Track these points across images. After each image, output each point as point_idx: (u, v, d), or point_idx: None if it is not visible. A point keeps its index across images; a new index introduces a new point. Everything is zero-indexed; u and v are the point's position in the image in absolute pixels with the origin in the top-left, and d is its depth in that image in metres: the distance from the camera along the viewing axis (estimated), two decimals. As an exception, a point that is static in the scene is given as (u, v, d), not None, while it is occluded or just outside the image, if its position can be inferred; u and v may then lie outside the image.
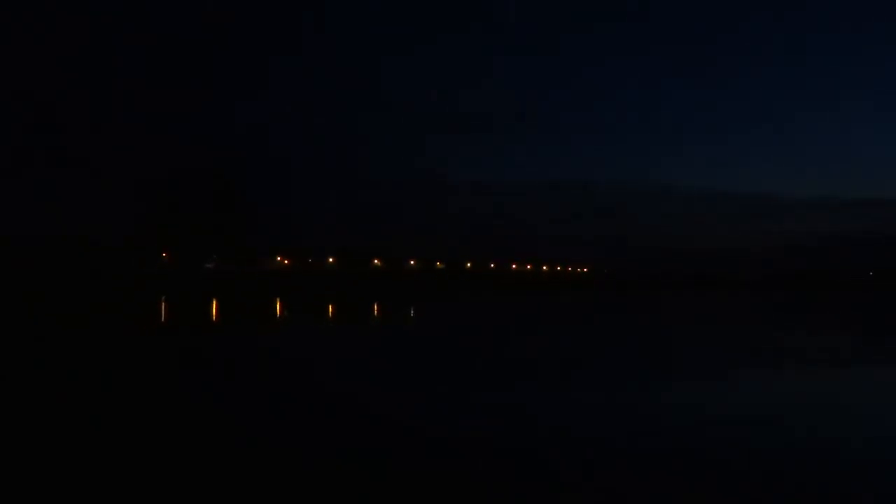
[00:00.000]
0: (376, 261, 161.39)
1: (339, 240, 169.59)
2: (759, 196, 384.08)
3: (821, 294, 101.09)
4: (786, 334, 34.39)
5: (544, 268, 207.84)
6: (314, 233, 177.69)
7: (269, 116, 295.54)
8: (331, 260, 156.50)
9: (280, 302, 56.97)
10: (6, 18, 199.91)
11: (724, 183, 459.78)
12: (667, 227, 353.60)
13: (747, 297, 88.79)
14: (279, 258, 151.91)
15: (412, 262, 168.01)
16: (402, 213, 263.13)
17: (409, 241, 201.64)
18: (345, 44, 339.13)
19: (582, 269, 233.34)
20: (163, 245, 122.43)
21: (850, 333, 36.12)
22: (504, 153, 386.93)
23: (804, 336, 33.56)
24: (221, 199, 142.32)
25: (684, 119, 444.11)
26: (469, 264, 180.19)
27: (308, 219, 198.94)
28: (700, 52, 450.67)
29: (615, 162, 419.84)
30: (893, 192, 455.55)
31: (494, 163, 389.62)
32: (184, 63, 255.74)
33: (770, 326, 40.04)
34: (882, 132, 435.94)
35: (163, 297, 59.55)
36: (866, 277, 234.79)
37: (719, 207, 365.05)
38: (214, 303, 53.72)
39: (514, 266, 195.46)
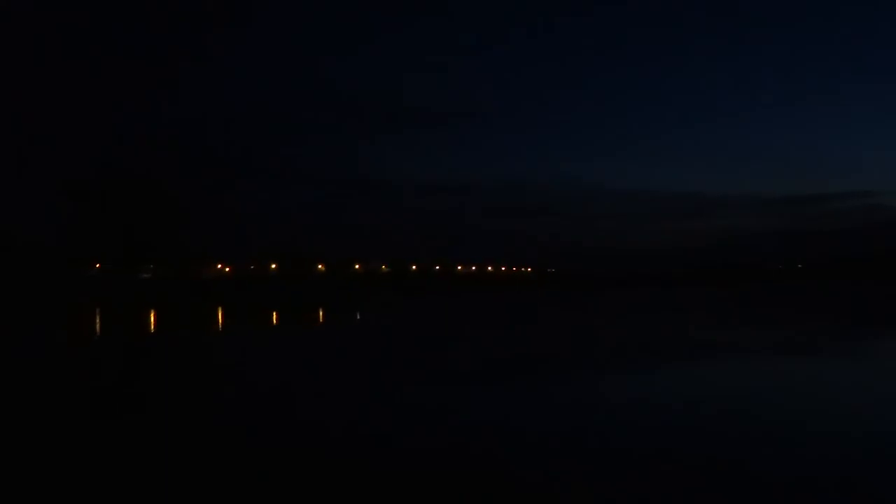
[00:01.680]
0: (320, 266, 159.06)
1: (281, 243, 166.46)
2: (688, 195, 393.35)
3: (753, 286, 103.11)
4: (732, 326, 34.19)
5: (489, 268, 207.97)
6: (256, 236, 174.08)
7: (202, 115, 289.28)
8: (273, 266, 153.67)
9: (219, 311, 54.73)
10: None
11: (655, 182, 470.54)
12: (601, 225, 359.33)
13: (688, 292, 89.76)
14: (220, 265, 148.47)
15: (356, 266, 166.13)
16: (344, 214, 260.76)
17: (352, 243, 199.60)
18: (285, 40, 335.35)
19: (525, 268, 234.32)
20: (93, 252, 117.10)
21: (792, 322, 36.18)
22: (439, 153, 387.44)
23: (739, 326, 33.37)
24: (155, 203, 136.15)
25: (616, 119, 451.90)
26: (413, 266, 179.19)
27: (249, 221, 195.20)
28: (632, 53, 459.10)
29: (547, 162, 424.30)
30: (817, 188, 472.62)
31: (428, 162, 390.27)
32: (115, 56, 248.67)
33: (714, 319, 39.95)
34: (808, 132, 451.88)
35: (96, 308, 56.75)
36: (794, 269, 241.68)
37: (651, 206, 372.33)
38: (150, 313, 51.30)
39: (459, 267, 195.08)
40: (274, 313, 48.99)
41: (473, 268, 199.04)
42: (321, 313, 48.86)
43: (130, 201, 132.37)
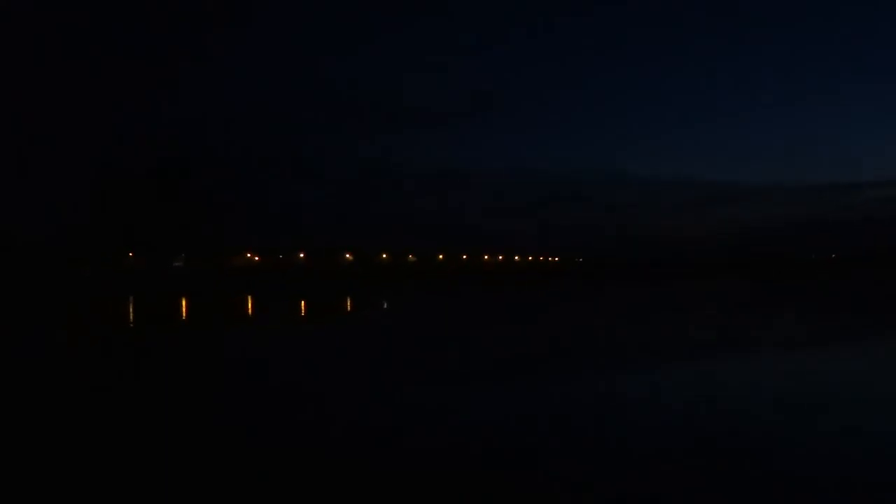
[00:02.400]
0: (347, 255, 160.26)
1: (306, 235, 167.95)
2: (716, 183, 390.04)
3: (789, 278, 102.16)
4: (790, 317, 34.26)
5: (516, 258, 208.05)
6: (285, 229, 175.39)
7: (202, 115, 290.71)
8: (301, 255, 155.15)
9: (252, 300, 55.68)
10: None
11: (682, 171, 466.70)
12: (628, 215, 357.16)
13: (729, 284, 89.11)
14: (248, 255, 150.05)
15: (384, 256, 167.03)
16: (367, 207, 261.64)
17: (378, 234, 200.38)
18: (285, 39, 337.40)
19: (553, 258, 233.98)
20: (127, 244, 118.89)
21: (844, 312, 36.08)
22: (460, 143, 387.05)
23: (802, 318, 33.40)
24: (182, 195, 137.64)
25: (642, 109, 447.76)
26: (441, 256, 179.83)
27: (251, 218, 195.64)
28: (659, 44, 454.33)
29: (574, 151, 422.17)
30: (843, 177, 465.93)
31: (452, 154, 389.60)
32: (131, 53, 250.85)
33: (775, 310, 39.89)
34: (830, 121, 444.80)
35: (132, 297, 58.00)
36: (828, 259, 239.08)
37: (678, 195, 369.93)
38: (186, 303, 52.34)
39: (486, 257, 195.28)
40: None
41: (465, 257, 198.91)
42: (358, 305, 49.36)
43: (131, 200, 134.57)
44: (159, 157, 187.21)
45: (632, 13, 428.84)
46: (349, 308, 46.30)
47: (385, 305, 47.07)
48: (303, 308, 46.05)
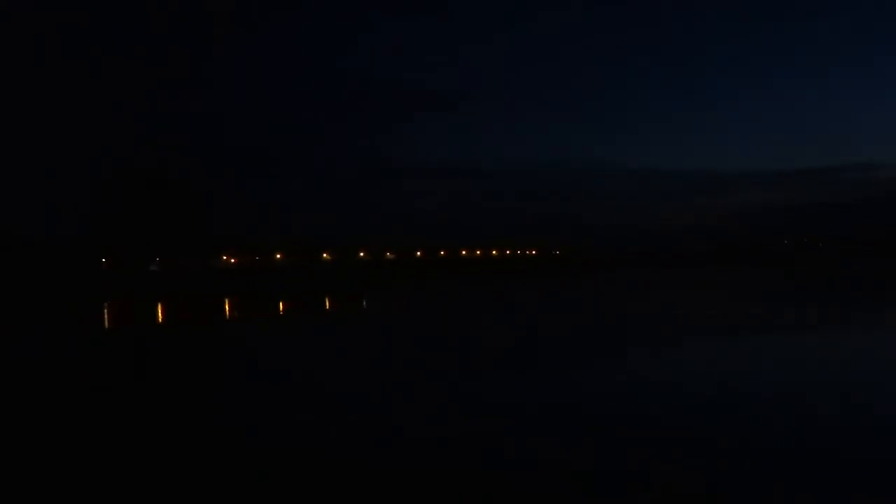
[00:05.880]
0: (325, 255, 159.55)
1: (287, 232, 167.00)
2: (697, 172, 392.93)
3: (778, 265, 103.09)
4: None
5: (493, 252, 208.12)
6: (265, 227, 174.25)
7: (203, 111, 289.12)
8: (278, 256, 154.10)
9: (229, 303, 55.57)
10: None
11: (664, 161, 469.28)
12: (610, 204, 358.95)
13: (714, 272, 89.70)
14: (225, 257, 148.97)
15: (361, 255, 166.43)
16: (343, 201, 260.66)
17: (355, 230, 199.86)
18: (287, 33, 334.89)
19: (530, 251, 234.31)
20: (104, 246, 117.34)
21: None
22: (441, 137, 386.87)
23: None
24: (165, 196, 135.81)
25: (626, 99, 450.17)
26: (419, 253, 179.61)
27: (257, 213, 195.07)
28: (641, 36, 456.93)
29: (558, 142, 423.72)
30: (823, 161, 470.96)
31: (429, 147, 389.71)
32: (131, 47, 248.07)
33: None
34: (808, 107, 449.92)
35: (106, 302, 57.66)
36: (813, 246, 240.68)
37: (661, 184, 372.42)
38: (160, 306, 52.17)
39: (463, 252, 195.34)
40: (282, 304, 49.62)
41: (478, 252, 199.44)
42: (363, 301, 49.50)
43: (134, 198, 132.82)
44: (160, 154, 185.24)
45: (612, 9, 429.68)
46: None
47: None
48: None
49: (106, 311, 48.21)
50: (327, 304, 48.04)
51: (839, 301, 37.38)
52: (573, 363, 17.82)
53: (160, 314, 44.05)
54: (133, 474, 9.30)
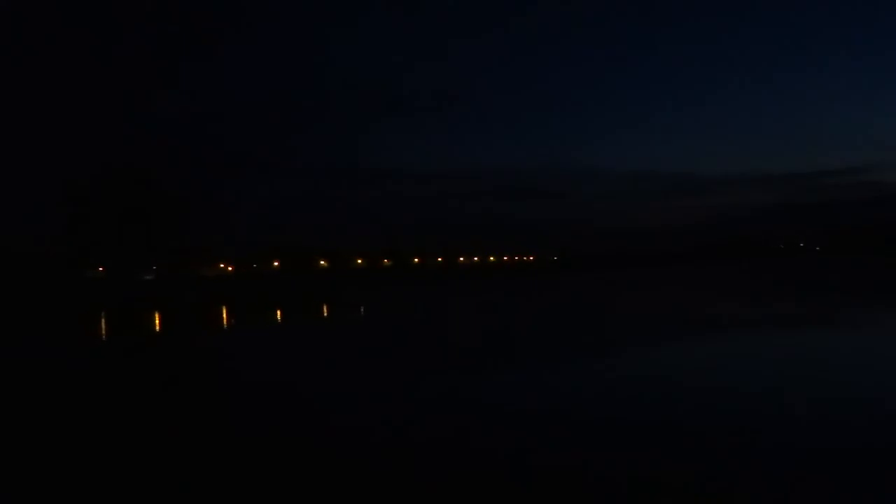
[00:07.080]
0: (322, 262, 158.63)
1: (283, 237, 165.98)
2: (678, 175, 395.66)
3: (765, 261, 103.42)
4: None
5: (490, 258, 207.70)
6: (257, 230, 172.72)
7: (199, 113, 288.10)
8: (275, 263, 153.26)
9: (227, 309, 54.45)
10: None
11: (645, 164, 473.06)
12: (595, 207, 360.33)
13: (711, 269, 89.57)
14: (221, 265, 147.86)
15: (359, 261, 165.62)
16: (343, 205, 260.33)
17: (349, 235, 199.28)
18: (282, 29, 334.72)
19: (528, 257, 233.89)
20: (92, 255, 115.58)
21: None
22: (428, 139, 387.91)
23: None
24: (148, 202, 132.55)
25: (606, 103, 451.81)
26: (416, 259, 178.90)
27: (250, 216, 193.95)
28: (622, 39, 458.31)
29: (539, 146, 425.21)
30: (802, 165, 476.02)
31: (416, 150, 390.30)
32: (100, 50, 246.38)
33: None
34: (790, 111, 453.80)
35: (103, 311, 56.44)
36: (794, 246, 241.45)
37: (642, 186, 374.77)
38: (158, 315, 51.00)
39: (461, 259, 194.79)
40: (280, 310, 48.82)
41: (476, 259, 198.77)
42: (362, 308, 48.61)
43: (130, 201, 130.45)
44: (158, 155, 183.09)
45: (597, 11, 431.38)
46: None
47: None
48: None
49: (104, 319, 47.06)
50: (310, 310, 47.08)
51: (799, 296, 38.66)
52: (553, 357, 18.78)
53: (157, 323, 42.97)
54: (131, 475, 9.11)
